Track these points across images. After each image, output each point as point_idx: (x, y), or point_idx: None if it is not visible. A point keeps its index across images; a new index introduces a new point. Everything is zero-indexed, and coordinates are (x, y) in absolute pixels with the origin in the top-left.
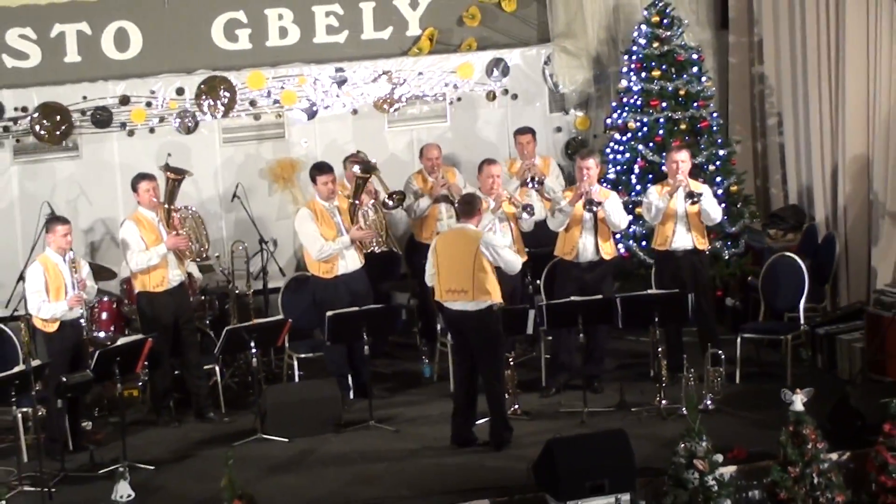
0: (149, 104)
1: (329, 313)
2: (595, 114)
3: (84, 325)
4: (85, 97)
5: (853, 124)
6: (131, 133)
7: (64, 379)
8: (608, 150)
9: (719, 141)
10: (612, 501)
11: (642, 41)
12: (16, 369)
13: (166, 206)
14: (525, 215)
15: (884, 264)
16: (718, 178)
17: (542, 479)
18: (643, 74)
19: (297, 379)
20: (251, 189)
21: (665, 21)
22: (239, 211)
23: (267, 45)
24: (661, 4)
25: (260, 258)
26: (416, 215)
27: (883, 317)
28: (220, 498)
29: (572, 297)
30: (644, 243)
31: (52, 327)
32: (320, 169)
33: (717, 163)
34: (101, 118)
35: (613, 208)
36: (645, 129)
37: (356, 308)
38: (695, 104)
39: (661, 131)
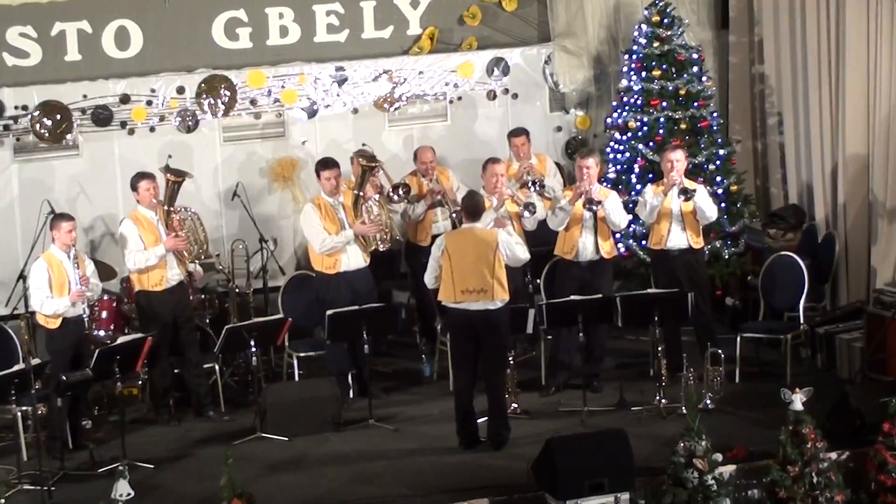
0: (149, 103)
1: (329, 312)
2: (595, 113)
3: (86, 322)
4: (85, 96)
5: (853, 124)
6: (132, 132)
7: (64, 377)
8: (608, 150)
9: (719, 140)
10: (611, 500)
11: (643, 41)
12: (15, 368)
13: (166, 207)
14: (527, 214)
15: (883, 264)
16: (718, 178)
17: (542, 478)
18: (643, 74)
19: (296, 378)
20: (251, 188)
21: (665, 21)
22: (239, 210)
23: (268, 43)
24: (661, 4)
25: (260, 257)
26: (412, 219)
27: (882, 316)
28: (220, 497)
29: (572, 297)
30: (644, 242)
31: (55, 324)
32: (325, 164)
33: (717, 162)
34: (102, 117)
35: (613, 207)
36: (645, 128)
37: (356, 307)
38: (695, 104)
39: (661, 131)
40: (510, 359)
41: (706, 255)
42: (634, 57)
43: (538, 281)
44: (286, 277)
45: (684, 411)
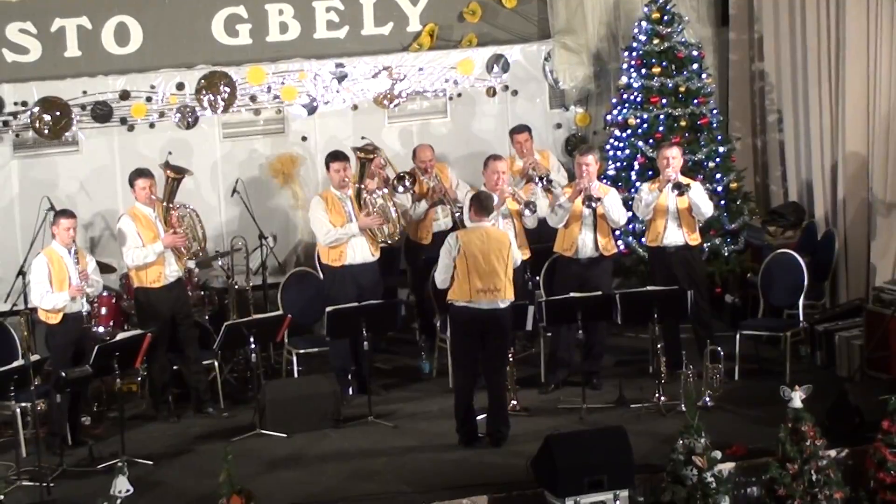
0: (149, 99)
1: (328, 309)
2: (595, 110)
3: (86, 318)
4: (85, 92)
5: (853, 121)
6: (131, 128)
7: (63, 374)
8: (608, 147)
9: (719, 138)
10: (610, 497)
11: (642, 38)
12: (15, 364)
13: (165, 203)
14: (528, 212)
15: (883, 261)
16: (718, 175)
17: (541, 475)
18: (643, 71)
19: (296, 374)
20: (251, 184)
21: (665, 18)
22: (239, 206)
23: (267, 40)
24: (661, 1)
25: (259, 253)
26: (413, 219)
27: (882, 314)
28: (219, 493)
29: (572, 294)
30: (643, 240)
31: (56, 319)
32: (335, 156)
33: (717, 159)
34: (101, 113)
35: (612, 204)
36: (645, 125)
37: (355, 304)
38: (695, 101)
39: (661, 128)
40: (510, 356)
41: (705, 251)
42: (634, 54)
43: (537, 278)
44: (286, 274)
45: (683, 409)
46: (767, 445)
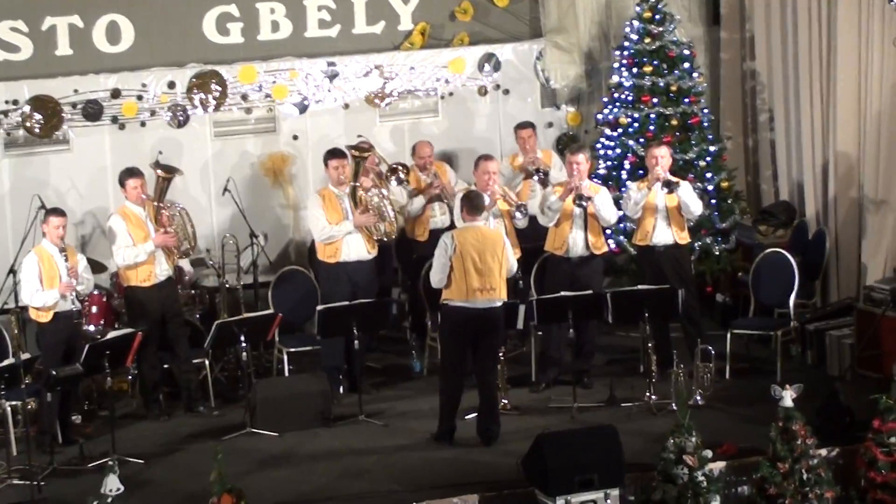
0: (140, 98)
1: (319, 308)
2: (586, 109)
3: (76, 317)
4: (76, 90)
5: (844, 121)
6: (122, 126)
7: (54, 372)
8: (599, 146)
9: (710, 137)
10: (601, 496)
11: (634, 37)
12: (5, 362)
13: (155, 203)
14: (519, 215)
15: (874, 260)
16: (709, 174)
17: (532, 474)
18: (635, 70)
19: (286, 373)
20: (242, 183)
21: (657, 17)
22: (230, 205)
23: (259, 38)
24: (652, 0)
25: (250, 252)
26: (411, 215)
27: (873, 313)
28: (210, 492)
29: (562, 293)
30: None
31: (46, 317)
32: (333, 154)
33: (708, 159)
34: (92, 111)
35: (603, 203)
36: (636, 124)
37: (346, 303)
38: (686, 100)
39: (652, 127)
40: (501, 355)
41: (696, 251)
42: (626, 53)
43: (529, 279)
44: (276, 273)
45: (674, 408)
46: (758, 444)
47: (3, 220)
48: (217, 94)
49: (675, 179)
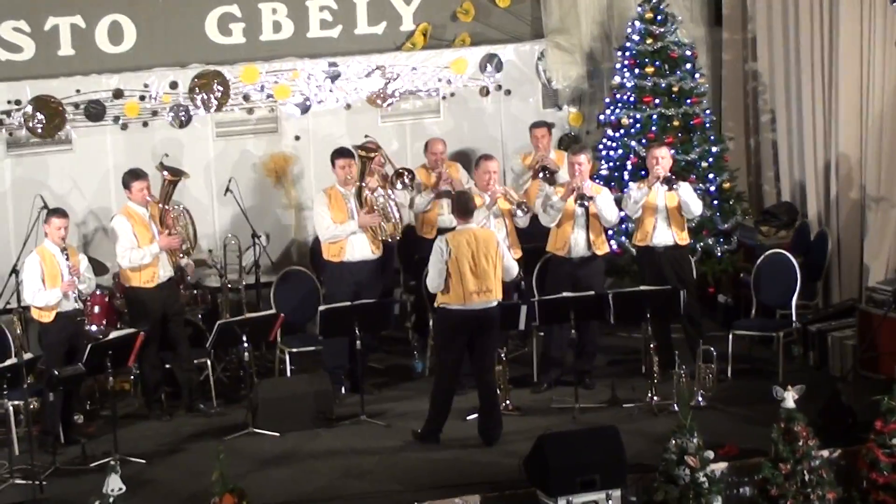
0: (142, 98)
1: (321, 308)
2: (588, 110)
3: (79, 319)
4: (78, 90)
5: (846, 121)
6: (124, 127)
7: (56, 372)
8: (601, 147)
9: (712, 138)
10: (602, 497)
11: (636, 37)
12: (8, 362)
13: (162, 206)
14: (520, 213)
15: (876, 262)
16: (711, 175)
17: (534, 474)
18: (636, 71)
19: (288, 373)
20: (244, 183)
21: (659, 17)
22: (231, 205)
23: (261, 39)
24: (654, 1)
25: (252, 252)
26: (418, 210)
27: (875, 314)
28: (211, 492)
29: (564, 293)
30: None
31: (48, 317)
32: (340, 153)
33: (710, 159)
34: (95, 112)
35: (605, 204)
36: (638, 125)
37: (348, 303)
38: (688, 101)
39: (654, 128)
40: (502, 355)
41: (698, 251)
42: (627, 53)
43: (530, 279)
44: (278, 273)
45: (676, 408)
46: (760, 445)
47: (5, 220)
48: (219, 95)
49: (674, 177)
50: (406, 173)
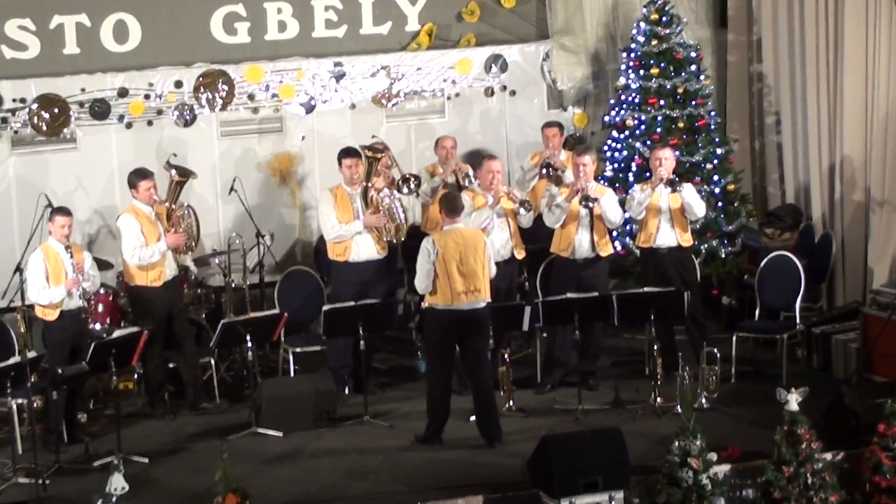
0: (147, 97)
1: (325, 308)
2: (593, 111)
3: (84, 316)
4: (83, 89)
5: (851, 124)
6: (129, 125)
7: (60, 370)
8: (606, 148)
9: (717, 139)
10: (605, 499)
11: (641, 39)
12: (11, 360)
13: (168, 205)
14: (522, 210)
15: (880, 264)
16: (716, 177)
17: (537, 476)
18: (641, 72)
19: (292, 373)
20: (248, 182)
21: (664, 19)
22: (236, 204)
23: (266, 38)
24: (660, 2)
25: (256, 252)
26: (424, 197)
27: (878, 317)
28: (215, 491)
29: (568, 294)
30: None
31: (53, 315)
32: (347, 153)
33: (715, 161)
34: (100, 110)
35: (609, 205)
36: (643, 126)
37: (351, 303)
38: (693, 102)
39: (658, 129)
40: (506, 356)
41: (703, 253)
42: (633, 55)
43: (534, 280)
44: (282, 273)
45: (679, 410)
46: (763, 448)
47: (9, 218)
48: (224, 94)
49: (677, 178)
50: (413, 178)
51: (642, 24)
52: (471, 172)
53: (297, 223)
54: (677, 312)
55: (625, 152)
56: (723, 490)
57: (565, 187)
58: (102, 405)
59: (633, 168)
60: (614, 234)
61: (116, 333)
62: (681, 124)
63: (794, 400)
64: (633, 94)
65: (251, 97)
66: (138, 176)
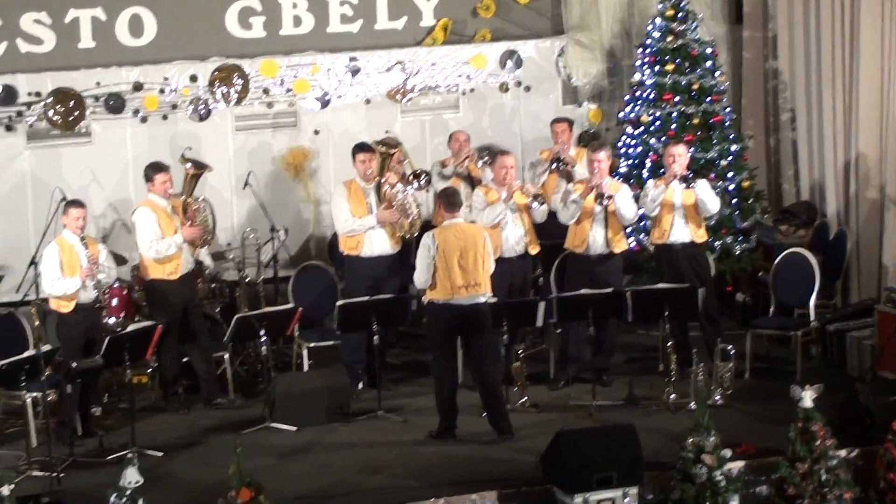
0: (162, 91)
1: (339, 303)
2: (608, 107)
3: (98, 306)
4: (98, 83)
5: (866, 121)
6: (144, 120)
7: (74, 364)
8: (620, 144)
9: (732, 136)
10: (619, 495)
11: (656, 35)
12: (26, 354)
13: (184, 198)
14: (536, 204)
15: (895, 261)
16: (730, 174)
17: (550, 471)
18: (657, 68)
19: (306, 368)
20: (263, 177)
21: (679, 15)
22: (250, 199)
23: (281, 33)
24: None
25: (271, 246)
26: (442, 176)
27: (893, 314)
28: (228, 485)
29: (582, 290)
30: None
31: (68, 307)
32: (361, 148)
33: (730, 158)
34: (115, 104)
35: (624, 201)
36: (658, 122)
37: (366, 298)
38: (708, 99)
39: (673, 125)
40: (519, 352)
41: (717, 250)
42: (648, 51)
43: (549, 276)
44: (297, 267)
45: (693, 407)
46: (777, 445)
47: (24, 211)
48: (239, 89)
49: (691, 174)
50: (423, 174)
51: (657, 20)
52: (487, 175)
53: (312, 218)
54: (691, 309)
55: (639, 149)
56: (737, 487)
57: (579, 183)
58: (117, 399)
59: (648, 164)
60: (628, 230)
61: (131, 327)
62: (696, 121)
63: (808, 397)
64: (648, 91)
65: (266, 92)
66: (154, 169)
